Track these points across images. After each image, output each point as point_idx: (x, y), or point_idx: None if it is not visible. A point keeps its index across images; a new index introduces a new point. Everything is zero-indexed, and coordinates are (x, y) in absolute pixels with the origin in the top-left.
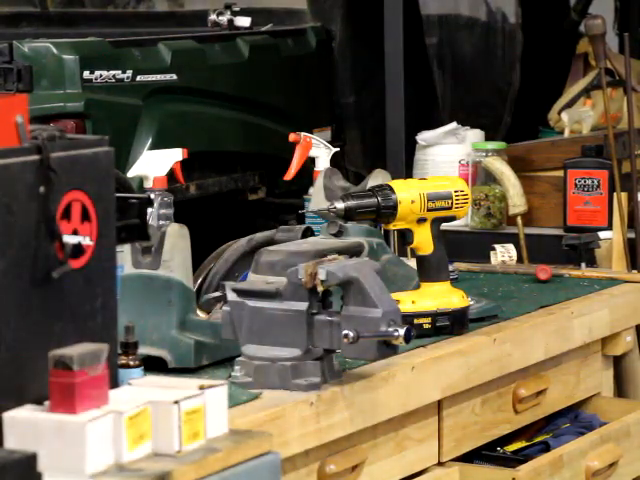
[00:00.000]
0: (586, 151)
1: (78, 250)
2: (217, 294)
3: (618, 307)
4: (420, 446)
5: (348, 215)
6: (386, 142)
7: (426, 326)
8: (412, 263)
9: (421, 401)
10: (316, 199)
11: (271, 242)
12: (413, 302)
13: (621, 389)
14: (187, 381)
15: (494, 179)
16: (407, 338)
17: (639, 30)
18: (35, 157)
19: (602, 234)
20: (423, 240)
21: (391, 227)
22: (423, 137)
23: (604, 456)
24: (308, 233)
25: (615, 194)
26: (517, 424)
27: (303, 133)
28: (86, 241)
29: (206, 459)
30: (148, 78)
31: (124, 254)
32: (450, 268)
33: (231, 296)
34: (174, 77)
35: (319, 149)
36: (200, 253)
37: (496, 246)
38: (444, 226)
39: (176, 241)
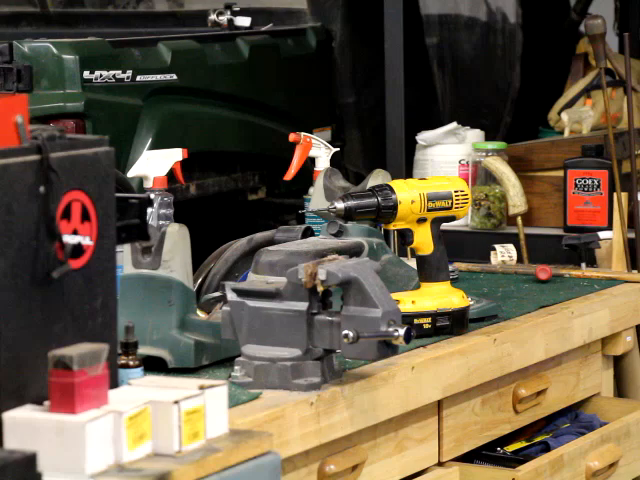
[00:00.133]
0: (586, 151)
1: (78, 250)
2: (217, 294)
3: (618, 307)
4: (420, 446)
5: (348, 215)
6: (386, 142)
7: (426, 326)
8: (412, 263)
9: (421, 401)
10: (316, 199)
11: (271, 242)
12: (413, 302)
13: (621, 389)
14: (187, 381)
15: (494, 179)
16: (407, 338)
17: (639, 30)
18: (35, 157)
19: (602, 234)
20: (423, 240)
21: (391, 227)
22: (423, 137)
23: (604, 456)
24: (308, 233)
25: (615, 194)
26: (517, 424)
27: (303, 133)
28: (86, 241)
29: (206, 459)
30: (148, 78)
31: (124, 254)
32: (450, 268)
33: (231, 296)
34: (174, 77)
35: (319, 149)
36: (200, 253)
37: (496, 246)
38: (444, 226)
39: (176, 241)
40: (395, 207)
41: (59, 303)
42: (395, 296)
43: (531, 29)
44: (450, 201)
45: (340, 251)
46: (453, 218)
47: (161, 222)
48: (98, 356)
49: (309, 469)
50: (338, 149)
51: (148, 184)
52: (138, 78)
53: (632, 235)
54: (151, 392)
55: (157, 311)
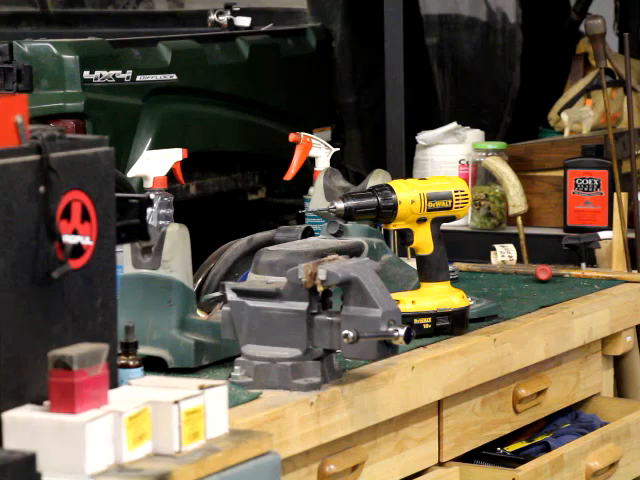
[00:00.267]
0: (586, 151)
1: (78, 250)
2: (217, 294)
3: (618, 307)
4: (420, 446)
5: (348, 215)
6: (386, 142)
7: (426, 326)
8: (412, 263)
9: (421, 401)
10: (316, 199)
11: (271, 242)
12: (413, 302)
13: (621, 389)
14: (187, 381)
15: (494, 179)
16: (407, 338)
17: (639, 30)
18: (35, 157)
19: (602, 234)
20: (423, 240)
21: (391, 227)
22: (423, 137)
23: (604, 456)
24: (308, 233)
25: (615, 194)
26: (517, 424)
27: (303, 133)
28: (86, 241)
29: (206, 459)
30: (148, 78)
31: (124, 254)
32: (450, 268)
33: (231, 296)
34: (174, 77)
35: (319, 149)
36: (200, 253)
37: (496, 246)
38: (444, 226)
39: (176, 241)
40: (395, 207)
41: (59, 303)
42: (395, 296)
43: (531, 29)
44: (450, 201)
45: (340, 251)
46: (453, 218)
47: (161, 222)
48: (98, 356)
49: (309, 469)
50: (338, 149)
51: (148, 184)
52: (138, 78)
53: (632, 235)
54: (151, 392)
55: (157, 311)
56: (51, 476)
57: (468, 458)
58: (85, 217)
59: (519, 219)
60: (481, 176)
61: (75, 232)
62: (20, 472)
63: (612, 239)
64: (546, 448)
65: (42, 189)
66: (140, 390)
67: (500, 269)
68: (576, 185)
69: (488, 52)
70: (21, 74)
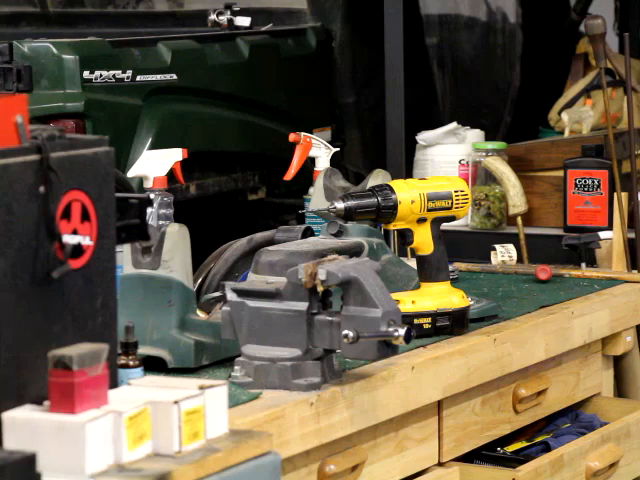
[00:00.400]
0: (586, 151)
1: (78, 250)
2: (217, 294)
3: (618, 307)
4: (420, 446)
5: (348, 215)
6: (386, 142)
7: (426, 326)
8: (412, 263)
9: (421, 401)
10: (316, 199)
11: (271, 242)
12: (413, 302)
13: (621, 389)
14: (187, 381)
15: (494, 179)
16: (407, 338)
17: (639, 30)
18: (35, 157)
19: (602, 234)
20: (423, 240)
21: (391, 227)
22: (423, 137)
23: (604, 456)
24: (308, 233)
25: (615, 194)
26: (517, 424)
27: (303, 133)
28: (86, 241)
29: (206, 459)
30: (148, 78)
31: (124, 254)
32: (450, 268)
33: (231, 296)
34: (174, 77)
35: (319, 149)
36: (200, 253)
37: (496, 246)
38: (444, 226)
39: (176, 241)
40: (395, 207)
41: (59, 303)
42: (395, 296)
43: (531, 29)
44: (450, 201)
45: (340, 251)
46: (453, 218)
47: (161, 222)
48: (98, 356)
49: (309, 469)
50: (338, 149)
51: (148, 184)
52: (138, 78)
53: (632, 235)
54: (151, 392)
55: (157, 311)
56: (51, 476)
57: (468, 458)
58: (85, 217)
59: (519, 219)
60: (481, 176)
61: (75, 232)
62: (20, 472)
63: (612, 239)
64: (546, 448)
65: (42, 189)
66: (140, 390)
67: (500, 269)
68: (576, 185)
69: (488, 52)
70: (21, 74)
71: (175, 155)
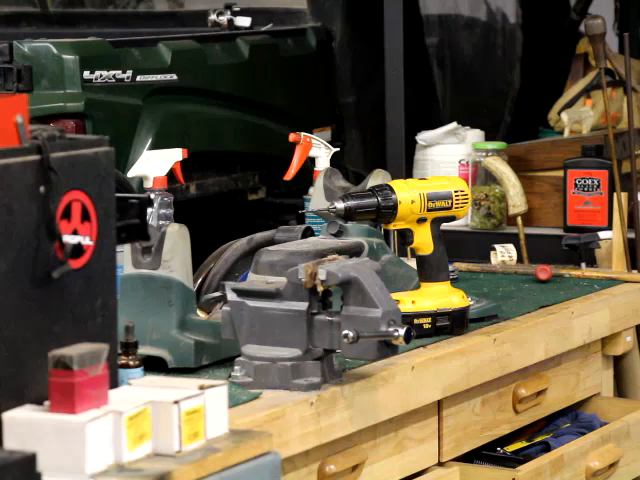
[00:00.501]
0: (586, 151)
1: (78, 250)
2: (217, 294)
3: (618, 307)
4: (420, 446)
5: (348, 215)
6: (386, 142)
7: (426, 326)
8: (412, 263)
9: (421, 401)
10: (316, 199)
11: (271, 242)
12: (413, 302)
13: (621, 389)
14: (187, 381)
15: (494, 179)
16: (407, 338)
17: (639, 30)
18: (35, 157)
19: (602, 234)
20: (423, 240)
21: (391, 227)
22: (423, 137)
23: (604, 456)
24: (308, 233)
25: (615, 194)
26: (517, 424)
27: (303, 133)
28: (86, 241)
29: (206, 459)
30: (148, 78)
31: (124, 254)
32: (450, 268)
33: (231, 296)
34: (174, 77)
35: (319, 149)
36: (200, 253)
37: (496, 246)
38: (444, 226)
39: (176, 241)
40: (395, 207)
41: (59, 303)
42: (395, 296)
43: (531, 29)
44: (450, 201)
45: (340, 251)
46: (453, 218)
47: (161, 222)
48: (98, 356)
49: (309, 469)
50: (338, 149)
51: (148, 184)
52: (138, 78)
53: (632, 235)
54: (151, 392)
55: (157, 311)
56: (51, 476)
57: (468, 458)
58: (85, 217)
59: (519, 219)
60: (481, 176)
61: (75, 232)
62: (20, 472)
63: (612, 239)
64: (546, 448)
65: (42, 189)
66: (140, 390)
67: (500, 269)
68: (576, 185)
69: (488, 52)
70: (21, 74)
71: (175, 155)
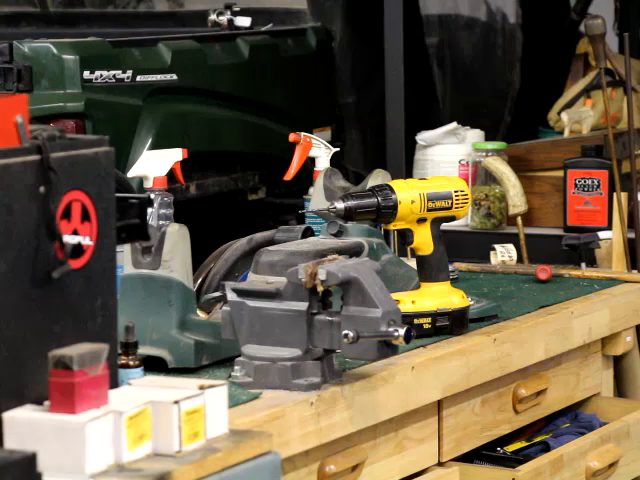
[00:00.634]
0: (586, 151)
1: (78, 250)
2: (217, 294)
3: (618, 307)
4: (420, 446)
5: (348, 215)
6: (386, 142)
7: (426, 326)
8: (412, 263)
9: (421, 401)
10: (316, 199)
11: (271, 242)
12: (413, 302)
13: (621, 389)
14: (187, 381)
15: (494, 179)
16: (407, 338)
17: (639, 30)
18: (35, 157)
19: (602, 234)
20: (423, 240)
21: (391, 227)
22: (423, 137)
23: (604, 456)
24: (308, 233)
25: (615, 194)
26: (517, 424)
27: (303, 133)
28: (86, 241)
29: (206, 459)
30: (148, 78)
31: (124, 254)
32: (450, 268)
33: (231, 296)
34: (174, 77)
35: (319, 149)
36: (200, 253)
37: (496, 246)
38: (444, 226)
39: (176, 241)
40: (395, 207)
41: (59, 303)
42: (395, 296)
43: (531, 29)
44: (450, 201)
45: (340, 251)
46: (453, 218)
47: (161, 222)
48: (98, 356)
49: (309, 469)
50: (338, 149)
51: (148, 184)
52: (138, 78)
53: (632, 235)
54: (151, 392)
55: (157, 311)
56: (51, 476)
57: (468, 458)
58: (85, 217)
59: (519, 219)
60: (481, 176)
61: (75, 232)
62: (20, 472)
63: (612, 239)
64: (546, 448)
65: (42, 189)
66: (140, 390)
67: (500, 269)
68: (576, 185)
69: (488, 52)
70: (21, 74)
71: (175, 155)
